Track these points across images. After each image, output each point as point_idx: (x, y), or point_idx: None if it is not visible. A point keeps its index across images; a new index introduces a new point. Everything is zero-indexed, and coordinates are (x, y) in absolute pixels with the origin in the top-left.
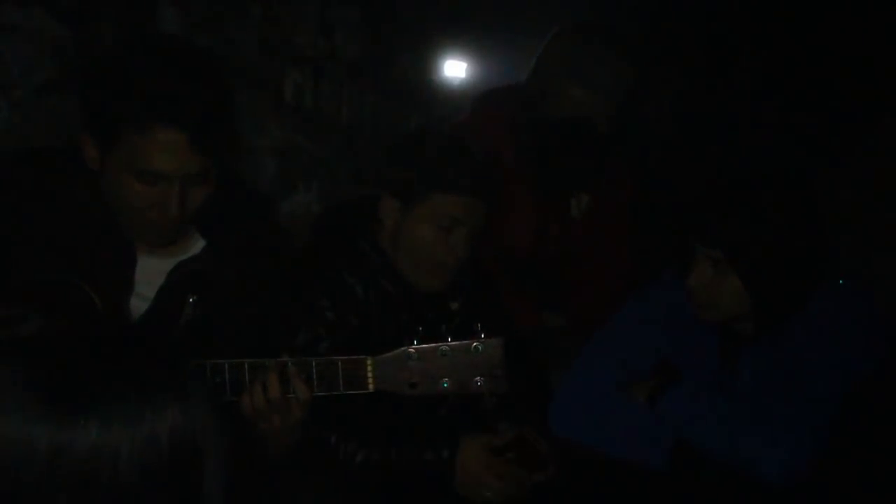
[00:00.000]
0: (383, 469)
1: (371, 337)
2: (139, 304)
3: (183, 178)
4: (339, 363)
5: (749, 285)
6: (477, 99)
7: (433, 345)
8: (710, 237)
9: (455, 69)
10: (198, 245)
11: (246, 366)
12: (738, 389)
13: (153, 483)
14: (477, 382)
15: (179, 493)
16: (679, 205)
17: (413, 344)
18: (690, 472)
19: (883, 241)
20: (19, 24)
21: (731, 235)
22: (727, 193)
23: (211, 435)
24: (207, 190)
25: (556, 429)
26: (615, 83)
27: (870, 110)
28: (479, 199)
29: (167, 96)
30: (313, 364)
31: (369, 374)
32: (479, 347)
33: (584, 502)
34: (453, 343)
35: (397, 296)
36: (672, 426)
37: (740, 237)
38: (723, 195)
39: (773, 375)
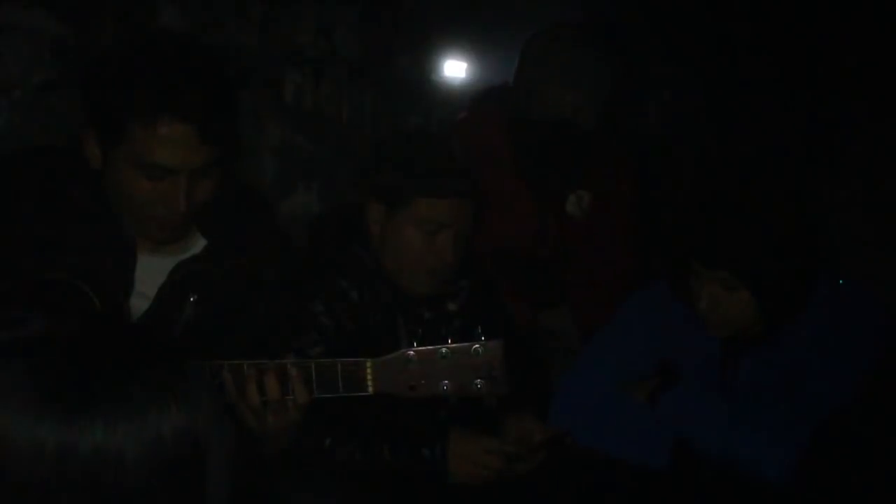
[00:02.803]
0: (379, 467)
1: (368, 340)
2: (140, 303)
3: (189, 173)
4: (339, 365)
5: (760, 296)
6: (474, 98)
7: (433, 347)
8: (718, 261)
9: (455, 69)
10: (199, 244)
11: (245, 367)
12: (738, 390)
13: (157, 483)
14: (477, 385)
15: (183, 493)
16: (677, 226)
17: (412, 346)
18: (690, 472)
19: (883, 241)
20: (19, 24)
21: (739, 257)
22: (727, 215)
23: (214, 435)
24: (211, 186)
25: (556, 428)
26: (593, 81)
27: (870, 110)
28: (465, 201)
29: (173, 89)
30: (313, 366)
31: (369, 377)
32: (480, 350)
33: (584, 502)
34: (453, 345)
35: (393, 299)
36: (672, 426)
37: (748, 256)
38: (723, 218)
39: (773, 376)
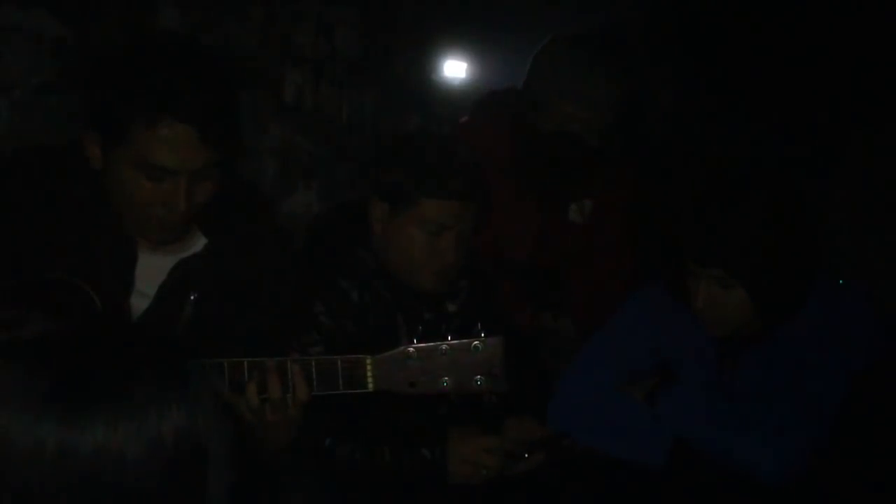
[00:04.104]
0: (379, 468)
1: (368, 340)
2: (140, 301)
3: (190, 174)
4: (339, 362)
5: (755, 295)
6: (477, 101)
7: (433, 344)
8: (712, 260)
9: (455, 69)
10: (199, 243)
11: (245, 364)
12: (736, 389)
13: (158, 483)
14: (477, 381)
15: (183, 493)
16: (673, 226)
17: (412, 344)
18: (689, 471)
19: (883, 241)
20: (19, 24)
21: (734, 255)
22: (720, 213)
23: (215, 434)
24: (212, 186)
25: (555, 428)
26: (605, 98)
27: (869, 111)
28: (469, 203)
29: (174, 91)
30: (313, 363)
31: (369, 374)
32: (479, 346)
33: (583, 502)
34: (453, 342)
35: (393, 298)
36: (670, 426)
37: (743, 255)
38: (716, 215)
39: (771, 375)
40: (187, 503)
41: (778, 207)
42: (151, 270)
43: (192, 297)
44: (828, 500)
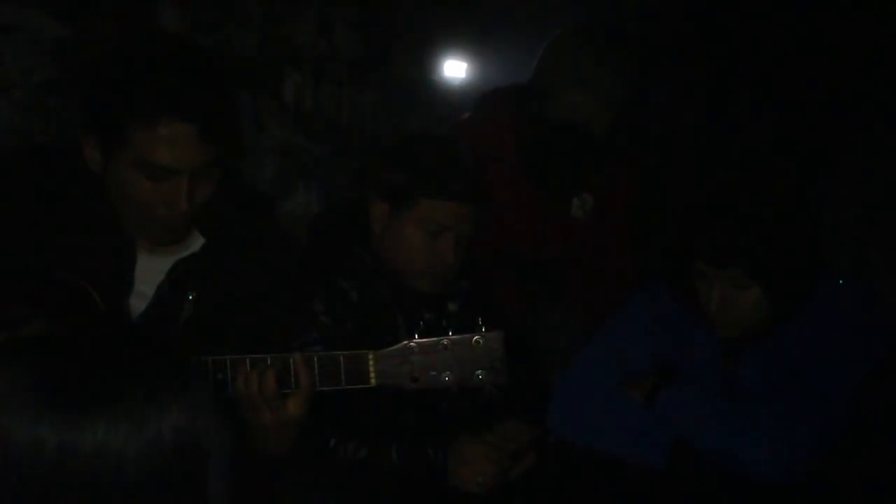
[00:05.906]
0: (384, 468)
1: (368, 340)
2: (138, 302)
3: (191, 173)
4: (341, 357)
5: (771, 294)
6: (479, 99)
7: (434, 339)
8: (732, 261)
9: (455, 69)
10: (197, 243)
11: (248, 361)
12: (737, 390)
13: (158, 482)
14: (478, 376)
15: (184, 493)
16: (684, 228)
17: (414, 339)
18: (689, 471)
19: (883, 241)
20: (19, 24)
21: (753, 256)
22: (739, 215)
23: (215, 434)
24: (212, 185)
25: (555, 428)
26: (613, 88)
27: (869, 111)
28: (468, 204)
29: (172, 90)
30: (315, 359)
31: (371, 369)
32: (481, 341)
33: (583, 502)
34: (454, 337)
35: (393, 298)
36: (670, 426)
37: (761, 255)
38: (734, 218)
39: (773, 375)
40: (187, 503)
41: (790, 205)
42: (150, 271)
43: (189, 297)
44: (828, 500)
